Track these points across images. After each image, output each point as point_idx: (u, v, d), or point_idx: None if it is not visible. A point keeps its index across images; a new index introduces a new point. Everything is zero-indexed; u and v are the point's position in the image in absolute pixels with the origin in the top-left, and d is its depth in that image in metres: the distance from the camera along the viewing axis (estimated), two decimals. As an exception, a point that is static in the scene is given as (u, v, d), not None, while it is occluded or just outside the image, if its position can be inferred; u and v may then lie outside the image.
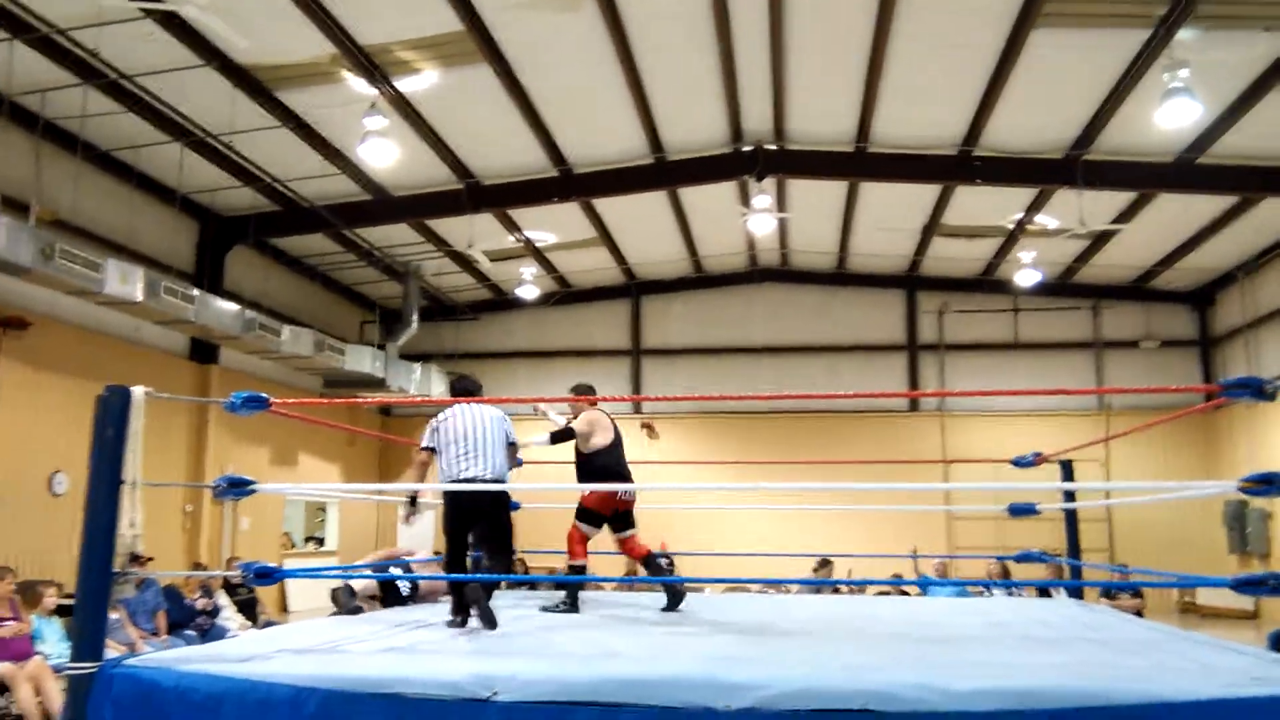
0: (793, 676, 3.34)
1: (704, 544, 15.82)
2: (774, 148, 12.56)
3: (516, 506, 5.92)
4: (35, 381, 10.57)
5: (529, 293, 17.04)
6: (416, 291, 16.33)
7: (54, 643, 7.02)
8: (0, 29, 8.57)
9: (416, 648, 4.33)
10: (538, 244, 15.86)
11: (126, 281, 10.03)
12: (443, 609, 5.75)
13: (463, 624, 5.04)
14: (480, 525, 5.54)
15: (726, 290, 18.89)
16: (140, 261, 10.91)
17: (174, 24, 8.72)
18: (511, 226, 14.90)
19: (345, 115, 10.75)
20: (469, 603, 5.02)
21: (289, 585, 15.22)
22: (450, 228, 14.84)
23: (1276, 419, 14.55)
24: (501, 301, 18.86)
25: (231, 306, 12.00)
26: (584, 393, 6.34)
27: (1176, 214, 13.77)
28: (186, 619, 7.61)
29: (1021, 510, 7.25)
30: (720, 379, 18.46)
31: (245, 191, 12.57)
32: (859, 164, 12.58)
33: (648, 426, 18.25)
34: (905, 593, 9.98)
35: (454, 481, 5.27)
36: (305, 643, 4.33)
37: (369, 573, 6.86)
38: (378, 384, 15.43)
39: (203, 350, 13.55)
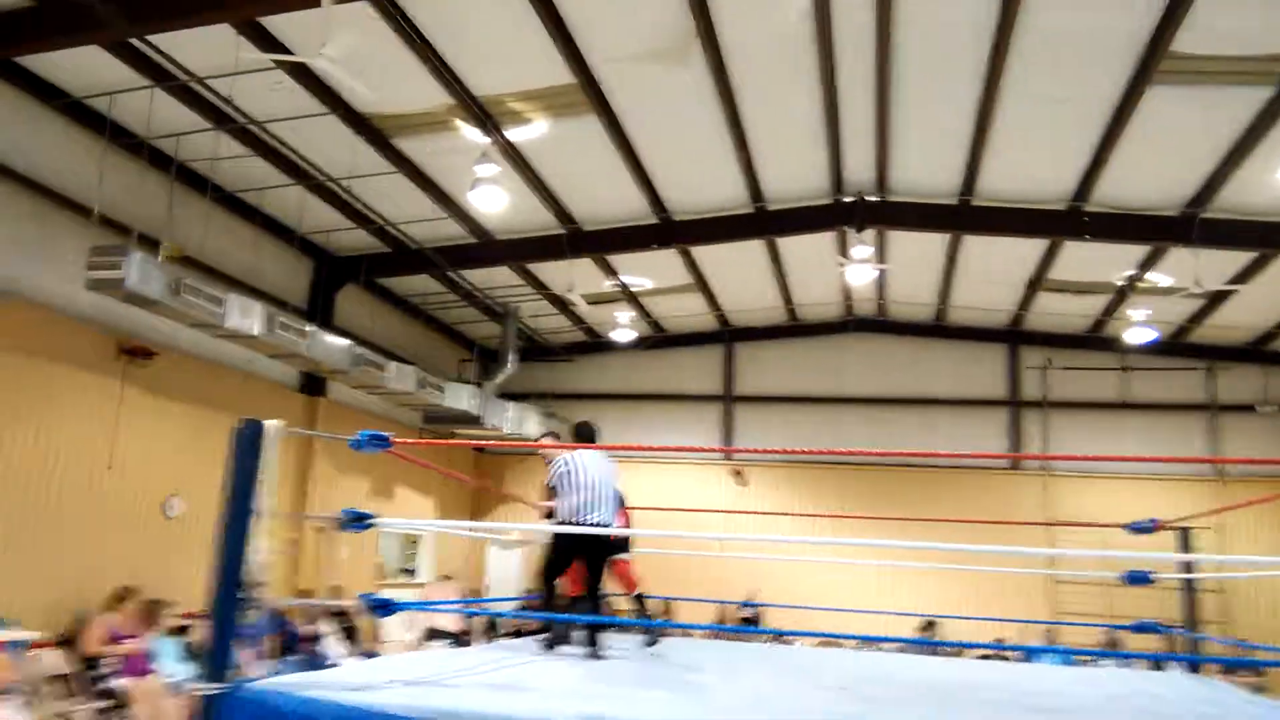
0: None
1: (788, 595, 15.59)
2: (875, 199, 12.52)
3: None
4: (155, 408, 11.12)
5: (624, 336, 17.22)
6: (514, 332, 16.67)
7: (171, 661, 7.30)
8: (145, 77, 9.18)
9: (522, 683, 4.38)
10: (634, 289, 16.06)
11: (246, 316, 10.50)
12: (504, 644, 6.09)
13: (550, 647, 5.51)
14: (598, 567, 5.82)
15: (820, 339, 18.75)
16: (259, 297, 11.43)
17: (302, 74, 9.22)
18: (609, 271, 15.14)
19: (457, 162, 11.14)
20: (573, 639, 5.36)
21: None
22: (549, 271, 15.17)
23: None
24: (595, 344, 19.10)
25: (341, 342, 12.44)
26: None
27: (1301, 273, 13.19)
28: (292, 644, 7.84)
29: (1138, 578, 6.97)
30: (812, 428, 18.27)
31: (358, 233, 13.11)
32: (962, 217, 12.44)
33: (738, 473, 18.18)
34: (1005, 657, 9.64)
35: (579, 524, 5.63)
36: (413, 674, 4.44)
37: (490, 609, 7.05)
38: (474, 421, 15.73)
39: (312, 383, 14.08)
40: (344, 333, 13.50)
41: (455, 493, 18.83)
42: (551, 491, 5.82)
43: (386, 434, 4.31)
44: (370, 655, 8.95)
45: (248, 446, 3.97)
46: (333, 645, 8.47)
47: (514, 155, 11.14)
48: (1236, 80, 8.89)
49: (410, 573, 18.24)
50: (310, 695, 3.78)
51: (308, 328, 11.68)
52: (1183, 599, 7.10)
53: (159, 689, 6.86)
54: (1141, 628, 7.43)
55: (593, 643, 5.48)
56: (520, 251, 13.89)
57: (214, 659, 3.90)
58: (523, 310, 16.70)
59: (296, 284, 13.76)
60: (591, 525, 5.61)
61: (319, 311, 13.74)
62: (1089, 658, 9.14)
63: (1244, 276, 13.13)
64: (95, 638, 6.80)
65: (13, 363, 9.40)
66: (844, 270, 13.81)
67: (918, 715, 4.09)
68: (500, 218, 12.74)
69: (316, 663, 8.33)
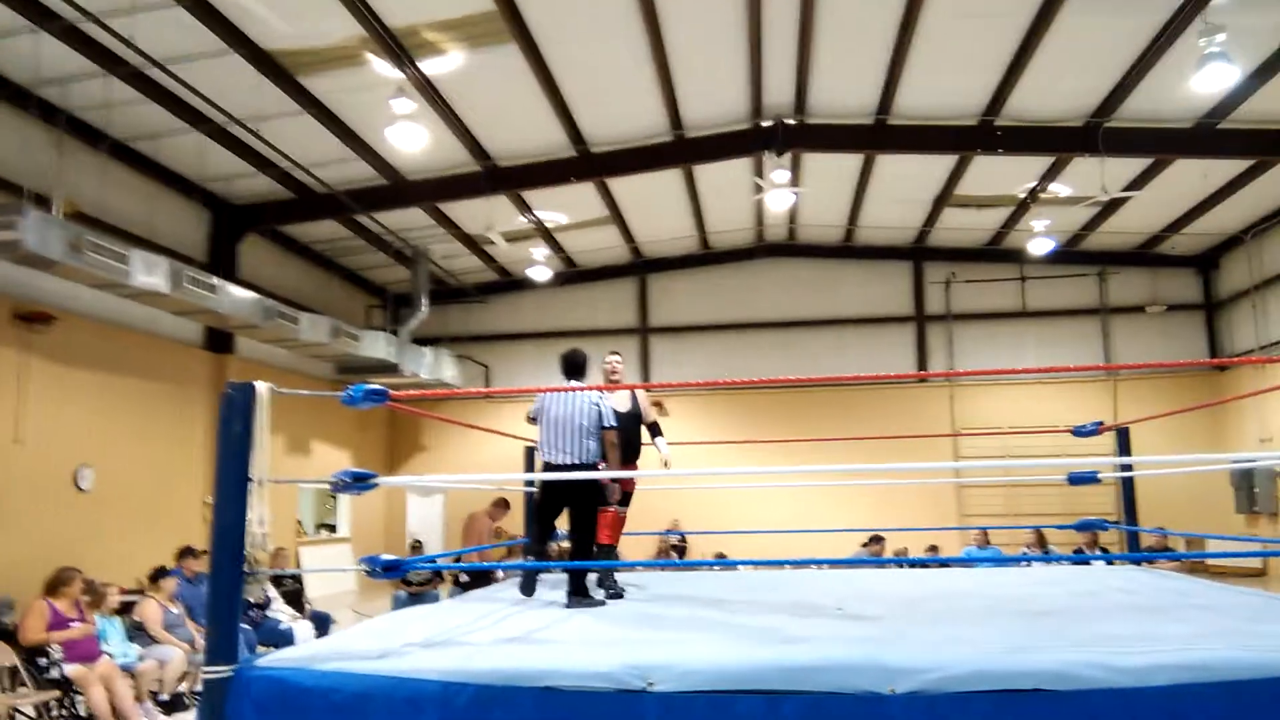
0: (958, 658, 3.31)
1: (711, 523, 15.86)
2: (794, 122, 12.48)
3: (603, 493, 5.82)
4: (61, 376, 10.40)
5: (540, 274, 16.91)
6: (425, 275, 16.18)
7: (117, 642, 6.93)
8: (28, 19, 8.32)
9: (543, 637, 4.27)
10: (549, 224, 15.74)
11: (151, 272, 9.85)
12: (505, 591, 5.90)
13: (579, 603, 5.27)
14: (572, 512, 5.63)
15: (733, 266, 18.86)
16: (159, 252, 10.71)
17: (204, 10, 8.52)
18: (524, 208, 14.76)
19: (367, 99, 10.58)
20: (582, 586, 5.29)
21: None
22: (462, 210, 14.71)
23: (1276, 380, 14.70)
24: (508, 283, 18.74)
25: (251, 295, 11.84)
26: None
27: (1189, 179, 13.80)
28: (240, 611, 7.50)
29: (1084, 478, 7.29)
30: (728, 354, 18.47)
31: (261, 179, 12.38)
32: (880, 136, 12.53)
33: (658, 404, 18.21)
34: (945, 566, 10.02)
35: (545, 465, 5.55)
36: (420, 634, 4.27)
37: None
38: (391, 369, 15.30)
39: (218, 340, 13.38)
40: (248, 285, 12.83)
41: (372, 445, 18.38)
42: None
43: (383, 388, 4.07)
44: (320, 616, 8.68)
45: (239, 412, 3.69)
46: (281, 610, 8.18)
47: (429, 90, 10.63)
48: (1150, -11, 9.10)
49: (330, 528, 17.83)
50: (333, 669, 3.58)
51: (215, 281, 11.06)
52: (1122, 496, 7.46)
53: (111, 672, 6.49)
54: (1086, 525, 7.82)
55: (578, 591, 5.32)
56: (436, 191, 13.39)
57: (219, 638, 3.66)
58: (433, 252, 16.19)
59: (195, 236, 12.96)
60: (552, 466, 5.48)
61: (221, 264, 12.99)
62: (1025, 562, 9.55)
63: (1139, 183, 13.67)
64: (35, 626, 6.37)
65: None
66: (763, 196, 13.81)
67: (947, 628, 4.16)
68: (413, 157, 12.21)
69: (266, 629, 8.02)
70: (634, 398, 6.24)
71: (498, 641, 4.13)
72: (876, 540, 10.87)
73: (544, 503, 5.73)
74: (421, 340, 16.88)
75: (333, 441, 16.68)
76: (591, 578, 5.71)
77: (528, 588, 5.51)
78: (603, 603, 5.36)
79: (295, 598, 8.59)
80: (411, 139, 10.27)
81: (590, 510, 5.66)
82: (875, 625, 4.24)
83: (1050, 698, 3.11)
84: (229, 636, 3.68)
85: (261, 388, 3.75)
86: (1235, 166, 13.24)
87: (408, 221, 14.78)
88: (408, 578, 10.25)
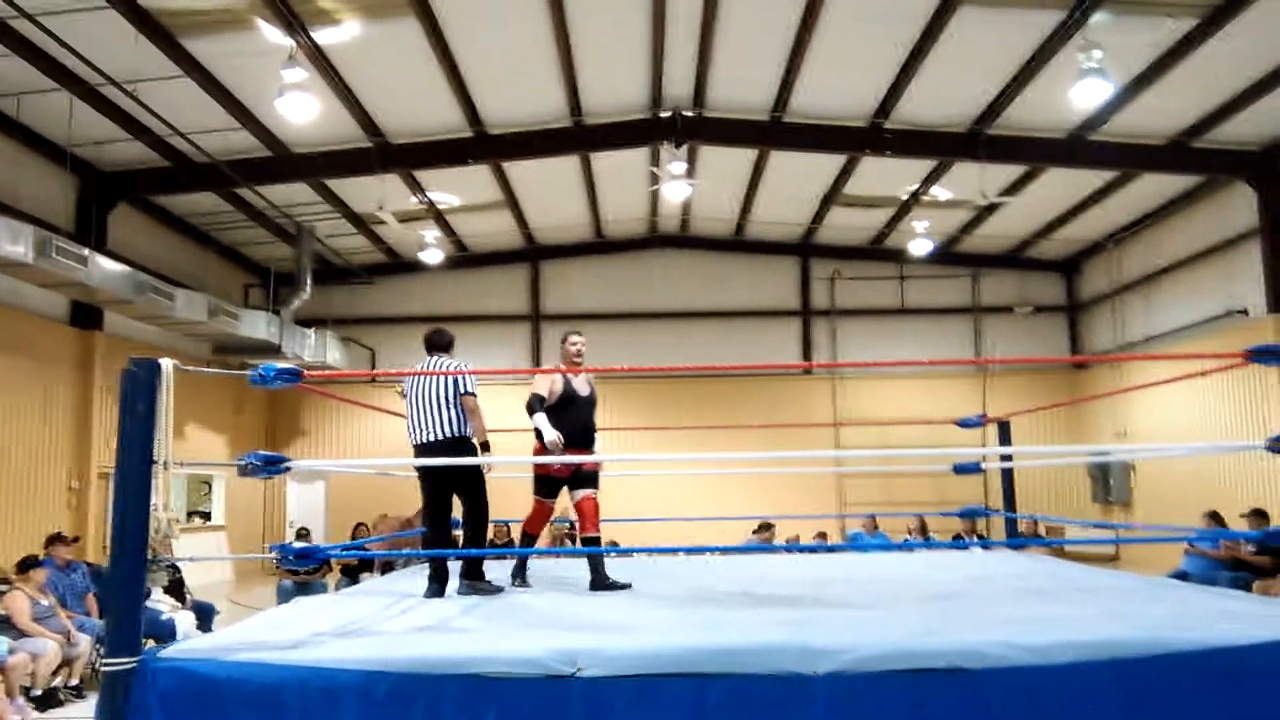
0: (877, 639, 3.43)
1: (605, 512, 15.89)
2: (692, 114, 12.58)
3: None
4: (-93, 351, 9.60)
5: (432, 257, 16.56)
6: (310, 254, 15.62)
7: (-21, 635, 6.44)
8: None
9: (460, 625, 4.19)
10: (441, 206, 15.42)
11: (15, 241, 9.21)
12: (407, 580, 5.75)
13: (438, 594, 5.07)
14: (435, 494, 5.38)
15: (626, 256, 18.92)
16: (23, 220, 10.00)
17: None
18: (416, 188, 14.41)
19: (254, 65, 10.13)
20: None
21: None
22: (350, 187, 14.26)
23: (1132, 379, 15.75)
24: (397, 265, 18.29)
25: (123, 268, 11.20)
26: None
27: (1059, 187, 14.60)
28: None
29: (967, 469, 7.64)
30: (620, 344, 18.47)
31: (135, 145, 11.67)
32: (775, 133, 12.77)
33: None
34: (833, 552, 10.36)
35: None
36: (330, 624, 4.13)
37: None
38: (273, 350, 14.74)
39: (85, 315, 12.58)
40: (118, 258, 12.13)
41: (250, 427, 17.67)
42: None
43: (297, 368, 3.91)
44: (203, 607, 8.29)
45: (143, 390, 3.49)
46: (162, 600, 7.77)
47: (321, 60, 10.24)
48: (1036, 4, 9.54)
49: (205, 516, 17.07)
50: (244, 660, 3.44)
51: (85, 252, 10.42)
52: (1001, 486, 7.83)
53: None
54: (970, 512, 8.20)
55: (438, 578, 5.09)
56: (324, 166, 12.91)
57: (121, 629, 3.46)
58: (319, 230, 15.64)
59: (61, 204, 12.13)
60: (417, 447, 5.27)
61: (90, 235, 12.21)
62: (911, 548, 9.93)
63: (1015, 189, 14.39)
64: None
65: None
66: (660, 187, 13.88)
67: (864, 610, 4.28)
68: (300, 129, 11.76)
69: (150, 620, 7.59)
70: (590, 382, 5.89)
71: (413, 631, 4.04)
72: (766, 527, 11.12)
73: (424, 489, 5.42)
74: (304, 321, 16.31)
75: (208, 425, 15.94)
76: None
77: (437, 589, 5.13)
78: (500, 589, 5.19)
79: (177, 588, 8.18)
80: (301, 109, 9.86)
81: (472, 487, 5.31)
82: (790, 610, 4.33)
83: (962, 676, 3.26)
84: (131, 627, 3.50)
85: (167, 365, 3.56)
86: (1101, 177, 14.07)
87: (293, 196, 14.22)
88: (291, 567, 9.92)
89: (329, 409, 18.39)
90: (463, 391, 5.24)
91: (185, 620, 7.63)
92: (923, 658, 3.30)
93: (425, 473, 5.37)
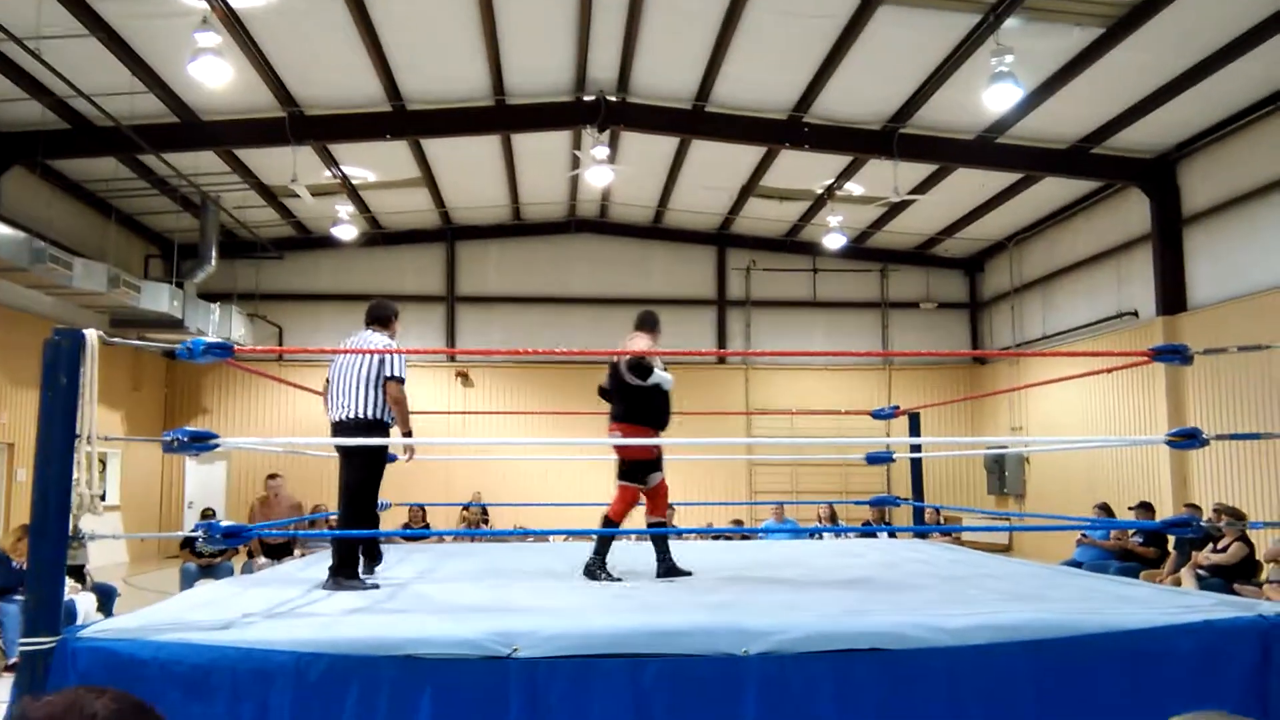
0: (803, 622, 3.54)
1: (515, 495, 15.89)
2: (616, 99, 12.59)
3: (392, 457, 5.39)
4: None
5: (346, 233, 16.17)
6: (215, 225, 15.08)
7: None
8: None
9: (393, 607, 4.17)
10: (355, 181, 15.08)
11: (-102, 201, 8.65)
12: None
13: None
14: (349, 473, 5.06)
15: (545, 239, 18.83)
16: (-94, 178, 9.43)
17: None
18: (329, 161, 14.06)
19: (163, 27, 9.73)
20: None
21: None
22: (260, 158, 13.82)
23: (1030, 375, 16.49)
24: (307, 240, 17.81)
25: (17, 234, 10.66)
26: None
27: (965, 188, 15.11)
28: (14, 584, 6.78)
29: (879, 459, 7.90)
30: (537, 328, 18.42)
31: (32, 105, 11.07)
32: (697, 122, 12.89)
33: (463, 375, 18.01)
34: (746, 538, 10.57)
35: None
36: (259, 605, 4.07)
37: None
38: (175, 324, 14.21)
39: (-30, 282, 11.92)
40: (12, 223, 11.52)
41: (146, 405, 17.02)
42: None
43: (228, 343, 3.81)
44: (104, 589, 7.98)
45: (66, 362, 3.36)
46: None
47: (235, 25, 9.90)
48: (952, 6, 9.84)
49: (100, 496, 16.32)
50: (171, 640, 3.36)
51: (-24, 217, 9.85)
52: (910, 475, 8.11)
53: None
54: (880, 501, 8.47)
55: (342, 568, 4.77)
56: (234, 135, 12.47)
57: (41, 607, 3.34)
58: (225, 201, 15.12)
59: (-53, 164, 11.45)
60: (334, 425, 5.02)
61: (-21, 198, 11.57)
62: (819, 533, 10.23)
63: (924, 187, 14.83)
64: None
65: None
66: (581, 171, 13.85)
67: (787, 594, 4.41)
68: (210, 96, 11.35)
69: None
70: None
71: (346, 612, 4.00)
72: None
73: (340, 469, 5.11)
74: (208, 296, 15.76)
75: (103, 401, 15.13)
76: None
77: (368, 567, 5.04)
78: (376, 587, 4.78)
79: (78, 570, 7.84)
80: (214, 75, 9.51)
81: (364, 471, 5.01)
82: (717, 593, 4.43)
83: (886, 656, 3.41)
84: (52, 605, 3.38)
85: (91, 335, 3.43)
86: (1006, 179, 14.61)
87: (200, 165, 13.69)
88: (198, 549, 9.62)
89: (231, 386, 17.84)
90: (387, 375, 4.97)
91: (86, 602, 7.34)
92: (848, 639, 3.43)
93: (340, 452, 5.10)
